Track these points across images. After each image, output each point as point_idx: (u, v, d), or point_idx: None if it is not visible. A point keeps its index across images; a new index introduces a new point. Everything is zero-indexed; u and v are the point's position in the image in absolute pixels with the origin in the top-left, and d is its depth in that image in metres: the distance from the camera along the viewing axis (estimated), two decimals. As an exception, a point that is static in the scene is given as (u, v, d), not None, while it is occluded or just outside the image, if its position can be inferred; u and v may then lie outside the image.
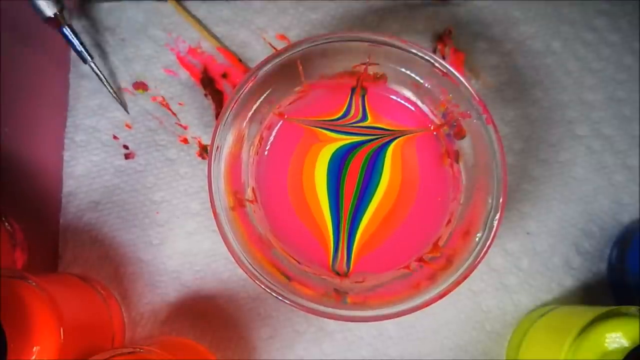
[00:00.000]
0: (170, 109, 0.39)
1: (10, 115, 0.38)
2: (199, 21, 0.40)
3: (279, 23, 0.40)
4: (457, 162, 0.35)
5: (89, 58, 0.37)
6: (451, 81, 0.33)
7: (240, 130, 0.33)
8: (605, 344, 0.29)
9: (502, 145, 0.32)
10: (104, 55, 0.39)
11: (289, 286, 0.32)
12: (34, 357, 0.28)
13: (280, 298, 0.31)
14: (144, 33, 0.39)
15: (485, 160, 0.33)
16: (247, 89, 0.32)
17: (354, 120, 0.35)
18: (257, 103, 0.33)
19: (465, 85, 0.33)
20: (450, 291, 0.31)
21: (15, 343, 0.28)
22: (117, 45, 0.39)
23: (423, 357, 0.37)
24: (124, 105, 0.39)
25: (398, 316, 0.31)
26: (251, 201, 0.34)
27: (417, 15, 0.40)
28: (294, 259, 0.34)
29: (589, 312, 0.31)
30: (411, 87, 0.35)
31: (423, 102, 0.35)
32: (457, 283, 0.31)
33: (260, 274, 0.31)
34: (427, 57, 0.33)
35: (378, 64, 0.34)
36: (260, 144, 0.35)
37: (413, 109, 0.35)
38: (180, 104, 0.39)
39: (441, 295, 0.31)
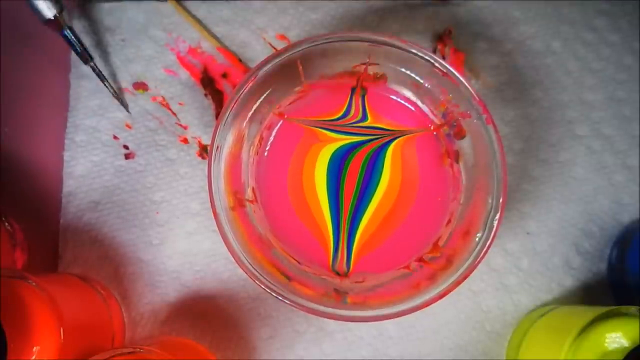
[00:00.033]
0: (170, 109, 0.39)
1: (10, 115, 0.38)
2: (199, 21, 0.40)
3: (279, 23, 0.40)
4: (457, 162, 0.35)
5: (89, 59, 0.37)
6: (451, 81, 0.33)
7: (240, 130, 0.33)
8: (605, 344, 0.29)
9: (502, 145, 0.32)
10: (104, 55, 0.39)
11: (289, 286, 0.32)
12: (34, 357, 0.28)
13: (280, 298, 0.31)
14: (144, 33, 0.39)
15: (485, 160, 0.33)
16: (247, 89, 0.32)
17: (354, 120, 0.35)
18: (257, 103, 0.33)
19: (465, 85, 0.33)
20: (450, 291, 0.31)
21: (15, 343, 0.28)
22: (118, 45, 0.39)
23: (423, 357, 0.37)
24: (125, 105, 0.39)
25: (398, 316, 0.31)
26: (251, 201, 0.34)
27: (417, 15, 0.40)
28: (294, 259, 0.34)
29: (589, 312, 0.31)
30: (411, 87, 0.35)
31: (423, 102, 0.35)
32: (457, 283, 0.31)
33: (260, 274, 0.31)
34: (427, 57, 0.33)
35: (378, 64, 0.34)
36: (260, 144, 0.35)
37: (413, 109, 0.35)
38: (180, 104, 0.39)
39: (441, 295, 0.31)
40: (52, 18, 0.36)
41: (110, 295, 0.37)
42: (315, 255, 0.34)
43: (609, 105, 0.39)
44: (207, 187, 0.32)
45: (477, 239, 0.32)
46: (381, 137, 0.35)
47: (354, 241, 0.34)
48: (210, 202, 0.32)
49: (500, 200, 0.32)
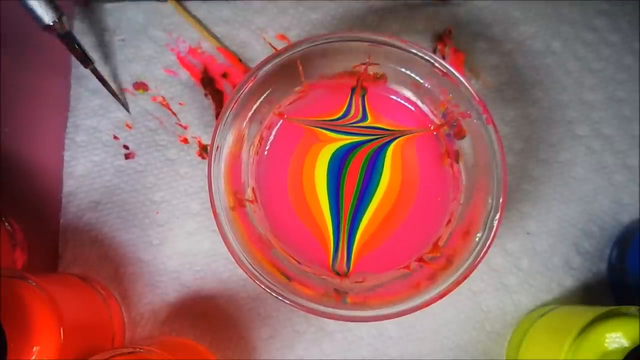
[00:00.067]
0: (170, 109, 0.39)
1: (10, 115, 0.38)
2: (199, 21, 0.40)
3: (279, 23, 0.40)
4: (457, 162, 0.35)
5: (90, 63, 0.37)
6: (451, 81, 0.33)
7: (240, 130, 0.34)
8: (605, 344, 0.29)
9: (502, 145, 0.32)
10: (104, 56, 0.39)
11: (289, 286, 0.32)
12: (34, 357, 0.28)
13: (280, 298, 0.31)
14: (144, 33, 0.39)
15: (485, 160, 0.33)
16: (247, 89, 0.32)
17: (354, 120, 0.35)
18: (257, 103, 0.33)
19: (465, 85, 0.33)
20: (450, 291, 0.31)
21: (15, 343, 0.28)
22: (118, 45, 0.39)
23: (423, 357, 0.37)
24: (125, 106, 0.39)
25: (398, 316, 0.31)
26: (251, 201, 0.34)
27: (417, 15, 0.40)
28: (294, 259, 0.34)
29: (589, 312, 0.31)
30: (411, 87, 0.35)
31: (423, 102, 0.35)
32: (457, 283, 0.31)
33: (260, 274, 0.31)
34: (427, 57, 0.33)
35: (378, 64, 0.34)
36: (260, 144, 0.35)
37: (413, 109, 0.35)
38: (180, 104, 0.39)
39: (441, 295, 0.31)
40: (52, 24, 0.35)
41: (110, 295, 0.37)
42: (315, 255, 0.34)
43: (609, 105, 0.39)
44: (207, 187, 0.32)
45: (477, 239, 0.32)
46: (381, 137, 0.35)
47: (354, 241, 0.34)
48: (210, 202, 0.32)
49: (500, 200, 0.32)
